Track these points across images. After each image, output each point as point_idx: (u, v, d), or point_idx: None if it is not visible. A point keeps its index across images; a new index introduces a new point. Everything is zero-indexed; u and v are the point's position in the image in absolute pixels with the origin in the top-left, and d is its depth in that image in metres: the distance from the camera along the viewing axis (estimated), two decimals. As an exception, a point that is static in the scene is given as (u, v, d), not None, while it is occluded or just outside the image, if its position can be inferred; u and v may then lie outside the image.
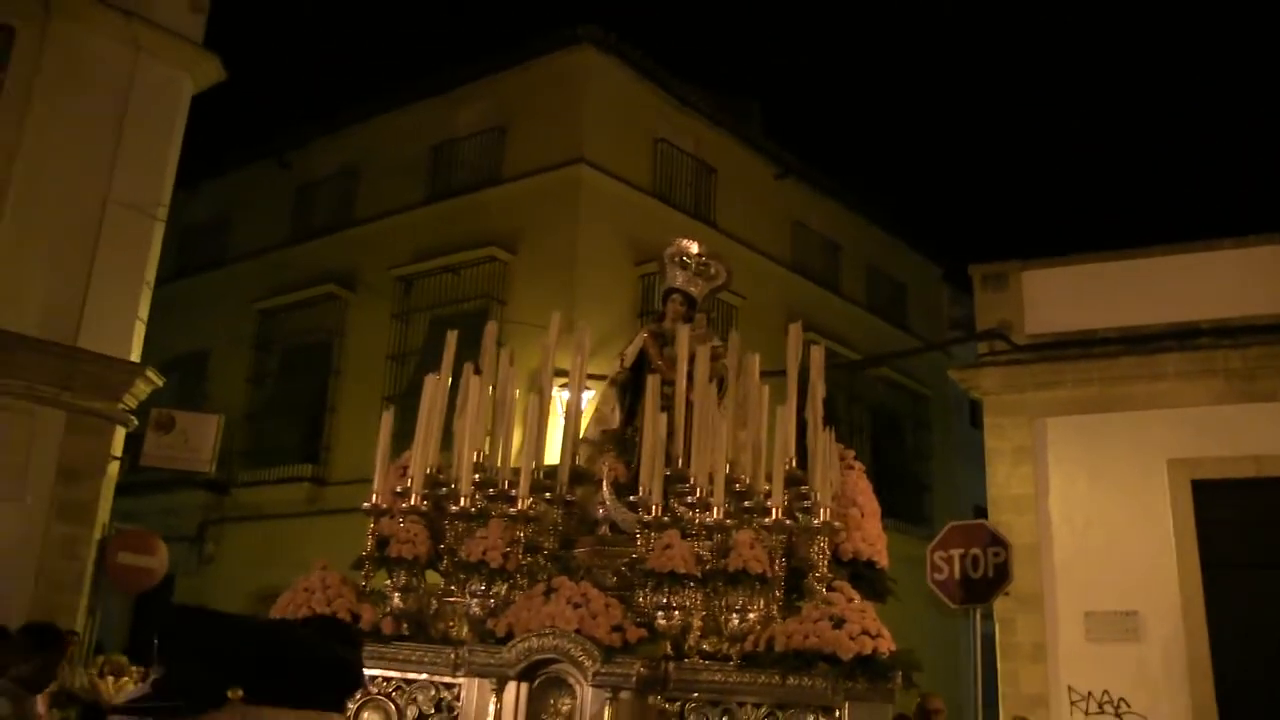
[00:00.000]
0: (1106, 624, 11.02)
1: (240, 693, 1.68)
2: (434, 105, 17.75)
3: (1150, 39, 36.27)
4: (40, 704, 6.28)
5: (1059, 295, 12.20)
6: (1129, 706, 10.71)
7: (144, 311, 11.05)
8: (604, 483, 6.01)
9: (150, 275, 11.12)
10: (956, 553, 11.15)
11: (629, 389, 6.63)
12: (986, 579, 10.96)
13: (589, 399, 7.59)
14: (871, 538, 5.72)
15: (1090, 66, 36.16)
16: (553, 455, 6.12)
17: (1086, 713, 10.91)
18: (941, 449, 21.83)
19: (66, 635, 7.34)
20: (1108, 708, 10.80)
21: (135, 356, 10.84)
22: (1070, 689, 11.02)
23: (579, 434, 6.21)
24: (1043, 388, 11.86)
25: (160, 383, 10.99)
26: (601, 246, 15.63)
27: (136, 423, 11.20)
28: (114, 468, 10.64)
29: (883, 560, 5.77)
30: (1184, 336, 11.34)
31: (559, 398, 8.16)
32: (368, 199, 18.31)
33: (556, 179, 15.83)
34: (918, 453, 21.54)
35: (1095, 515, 11.38)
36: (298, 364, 18.34)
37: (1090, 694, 10.92)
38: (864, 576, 5.62)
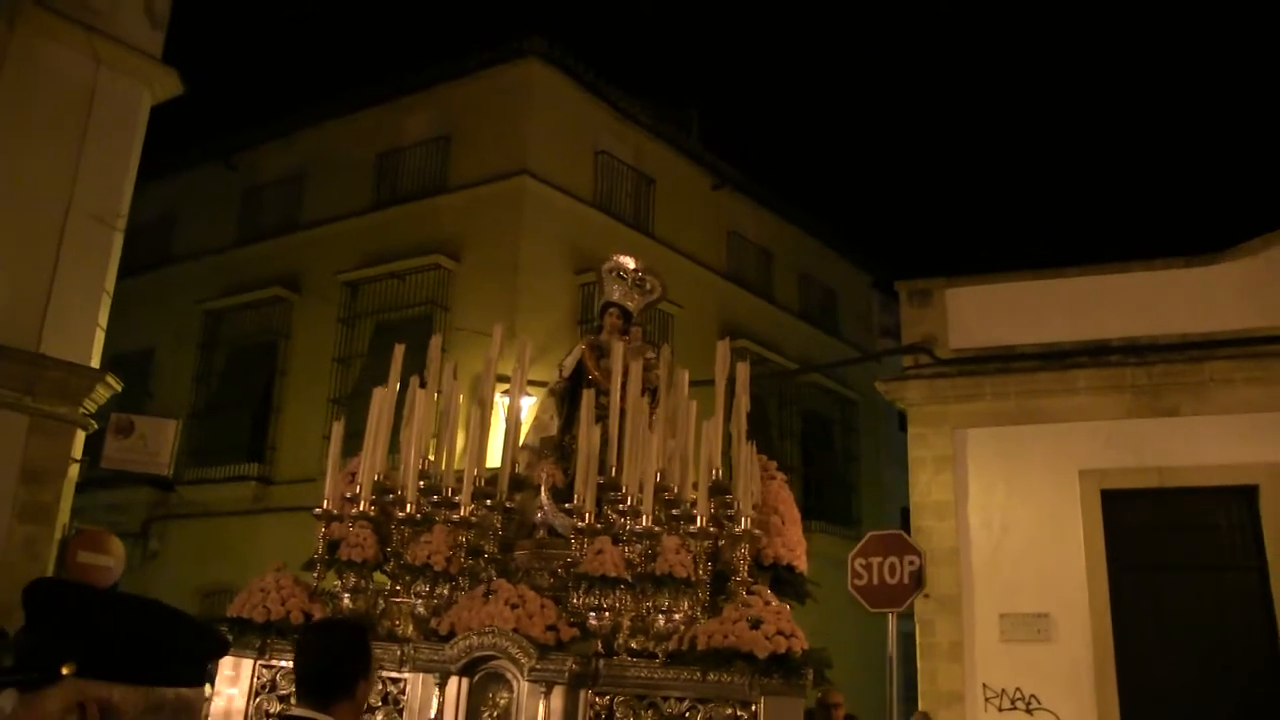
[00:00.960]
0: (1020, 625, 11.36)
1: (73, 667, 1.69)
2: (381, 113, 17.80)
3: (1071, 65, 37.08)
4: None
5: (981, 312, 12.49)
6: (1039, 703, 11.08)
7: (104, 319, 11.11)
8: (542, 489, 6.23)
9: (110, 284, 11.18)
10: (876, 560, 11.63)
11: (567, 398, 6.83)
12: (903, 585, 11.48)
13: (529, 406, 7.94)
14: (792, 544, 6.00)
15: (1016, 91, 36.87)
16: (495, 458, 6.34)
17: (1000, 709, 11.21)
18: (869, 452, 22.04)
19: None
20: (1019, 704, 11.15)
21: (95, 363, 10.90)
22: (985, 686, 11.33)
23: (519, 442, 6.47)
24: (964, 400, 12.16)
25: (119, 388, 11.09)
26: (543, 255, 15.81)
27: (96, 426, 11.28)
28: (74, 469, 10.71)
29: (802, 565, 6.08)
30: (1096, 353, 11.69)
31: (500, 404, 8.43)
32: (314, 203, 18.30)
33: (500, 189, 15.99)
34: (847, 455, 21.75)
35: (1011, 522, 11.69)
36: (244, 364, 18.29)
37: (1004, 691, 11.25)
38: (785, 580, 5.92)
